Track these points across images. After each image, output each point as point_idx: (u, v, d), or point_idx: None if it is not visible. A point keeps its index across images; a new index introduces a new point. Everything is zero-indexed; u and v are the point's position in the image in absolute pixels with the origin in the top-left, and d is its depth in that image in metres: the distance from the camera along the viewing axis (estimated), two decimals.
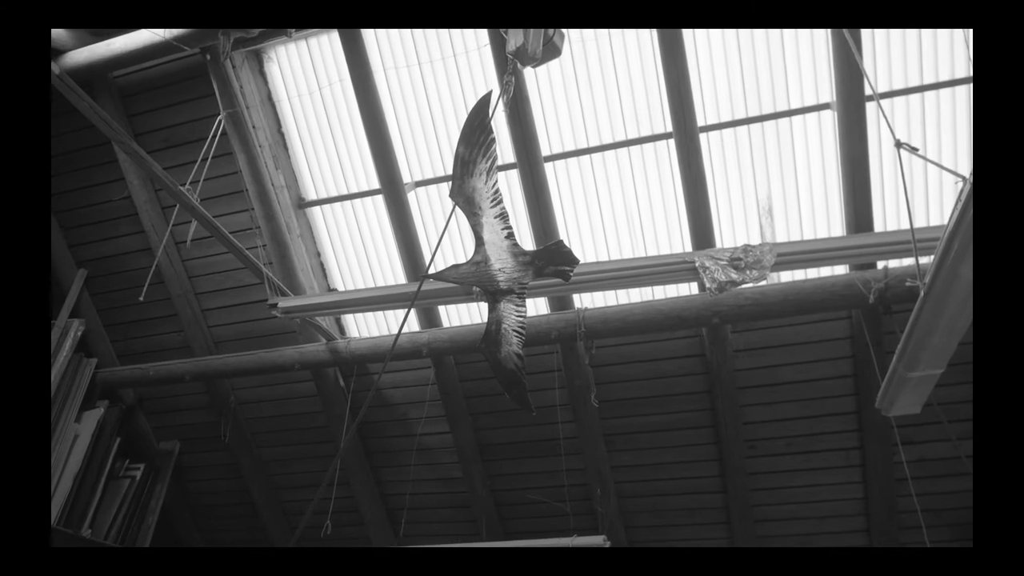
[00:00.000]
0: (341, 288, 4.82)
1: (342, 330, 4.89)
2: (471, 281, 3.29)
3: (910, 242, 3.39)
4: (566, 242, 3.62)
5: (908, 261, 3.74)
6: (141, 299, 3.83)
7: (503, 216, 3.07)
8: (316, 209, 4.66)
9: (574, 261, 3.44)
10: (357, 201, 4.57)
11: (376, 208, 4.56)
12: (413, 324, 4.65)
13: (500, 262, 3.21)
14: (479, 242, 3.12)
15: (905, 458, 4.09)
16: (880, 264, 3.85)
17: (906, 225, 3.87)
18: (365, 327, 4.91)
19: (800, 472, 4.64)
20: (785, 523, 4.78)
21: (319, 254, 4.78)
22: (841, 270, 4.04)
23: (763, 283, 3.76)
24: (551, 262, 3.41)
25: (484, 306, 4.30)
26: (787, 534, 4.81)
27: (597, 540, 3.65)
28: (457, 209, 2.94)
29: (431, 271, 3.40)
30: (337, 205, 4.62)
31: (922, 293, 1.91)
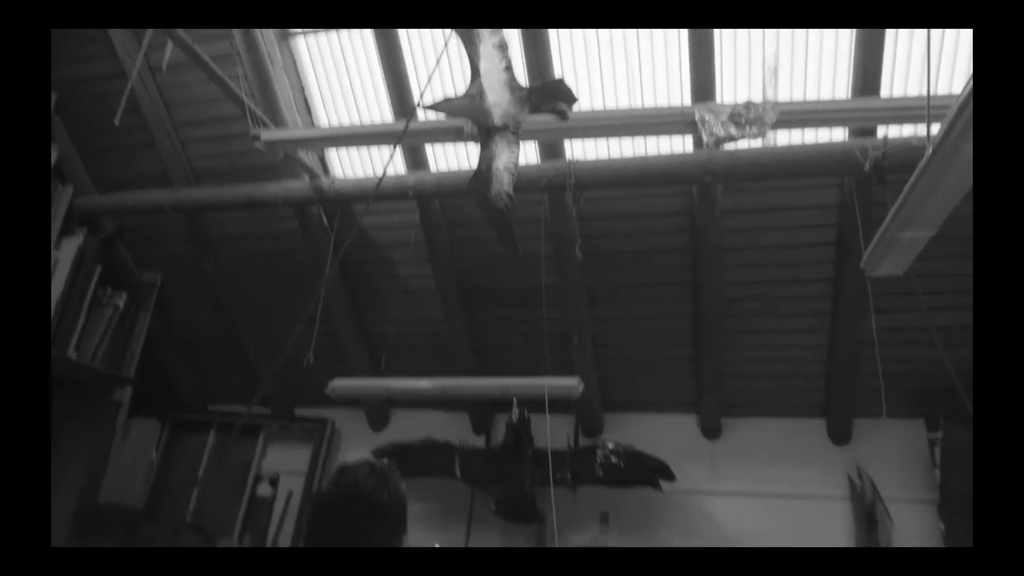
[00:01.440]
0: (326, 125, 4.65)
1: (326, 169, 4.77)
2: (464, 115, 3.15)
3: (915, 108, 3.31)
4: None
5: (908, 131, 3.68)
6: (116, 123, 3.67)
7: (502, 46, 2.90)
8: (300, 40, 4.40)
9: (573, 98, 3.30)
10: (344, 32, 4.31)
11: (364, 40, 4.31)
12: (399, 167, 4.55)
13: (496, 95, 3.07)
14: (475, 73, 2.95)
15: (876, 326, 4.21)
16: (880, 133, 3.77)
17: (912, 94, 3.77)
18: (350, 167, 4.80)
19: (771, 333, 4.80)
20: (750, 380, 5.01)
21: (303, 89, 4.57)
22: (840, 138, 3.96)
23: (760, 142, 3.68)
24: (549, 98, 3.26)
25: (473, 152, 4.20)
26: (751, 390, 5.05)
27: (571, 382, 3.79)
28: (453, 38, 2.76)
29: (422, 104, 3.27)
30: (322, 35, 4.36)
31: (929, 151, 1.89)
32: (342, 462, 1.49)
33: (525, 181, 4.04)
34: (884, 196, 3.91)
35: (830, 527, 4.83)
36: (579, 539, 4.86)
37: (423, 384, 4.26)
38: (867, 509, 4.71)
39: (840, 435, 5.02)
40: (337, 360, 5.31)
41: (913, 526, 4.63)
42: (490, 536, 5.17)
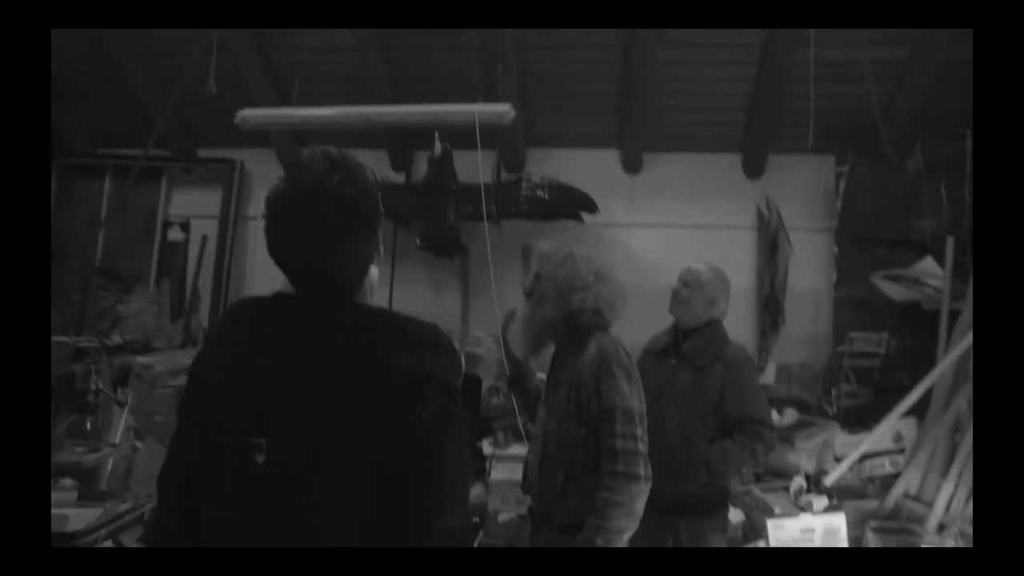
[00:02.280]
0: None
1: None
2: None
3: None
4: None
5: None
6: None
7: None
8: None
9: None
10: None
11: None
12: None
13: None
14: None
15: (813, 58, 4.16)
16: None
17: None
18: None
19: (699, 64, 4.69)
20: (673, 114, 4.98)
21: None
22: None
23: None
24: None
25: None
26: (673, 124, 5.05)
27: (503, 108, 3.64)
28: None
29: None
30: None
31: None
32: (291, 159, 1.28)
33: None
34: None
35: (738, 255, 5.15)
36: (504, 272, 5.00)
37: (343, 112, 4.00)
38: (771, 237, 5.02)
39: (754, 169, 5.19)
40: (240, 95, 4.87)
41: (812, 251, 5.02)
42: (415, 271, 5.26)
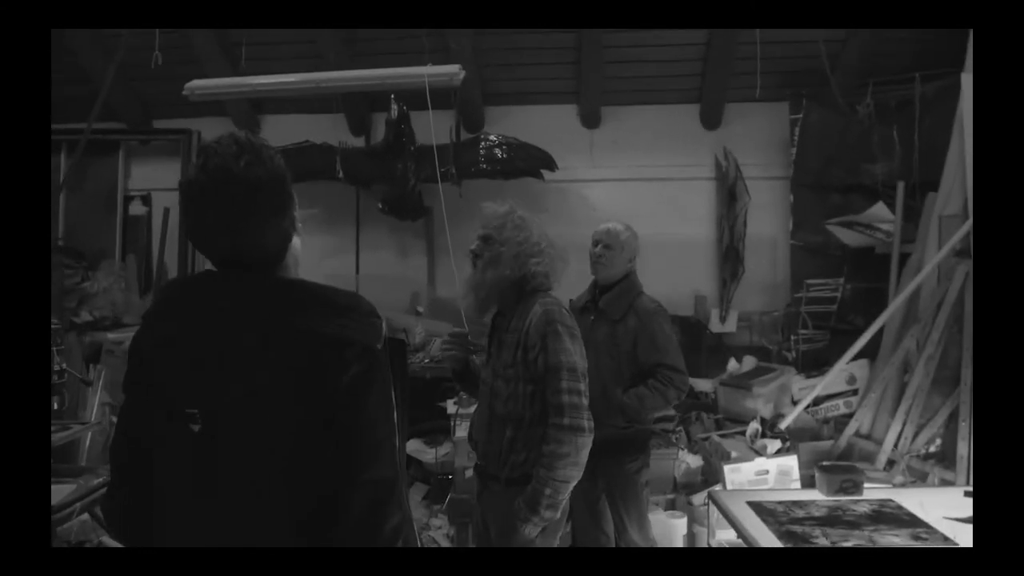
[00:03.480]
0: None
1: None
2: None
3: None
4: None
5: None
6: None
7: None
8: None
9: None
10: None
11: None
12: None
13: None
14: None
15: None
16: None
17: None
18: None
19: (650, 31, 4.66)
20: (630, 66, 4.97)
21: None
22: None
23: None
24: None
25: None
26: (630, 77, 5.04)
27: (452, 69, 3.63)
28: None
29: None
30: None
31: None
32: (202, 144, 1.32)
33: None
34: None
35: (696, 205, 5.23)
36: (466, 233, 5.04)
37: (292, 79, 3.96)
38: (729, 187, 5.08)
39: (711, 120, 5.22)
40: (190, 62, 4.80)
41: (769, 199, 5.09)
42: (380, 235, 5.29)
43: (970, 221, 3.70)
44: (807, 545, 2.12)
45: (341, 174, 4.82)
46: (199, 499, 1.21)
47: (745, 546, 2.25)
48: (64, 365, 3.17)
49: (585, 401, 2.14)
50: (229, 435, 1.19)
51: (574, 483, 2.14)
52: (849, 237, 4.78)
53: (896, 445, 3.82)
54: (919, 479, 3.65)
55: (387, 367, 1.29)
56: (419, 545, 1.46)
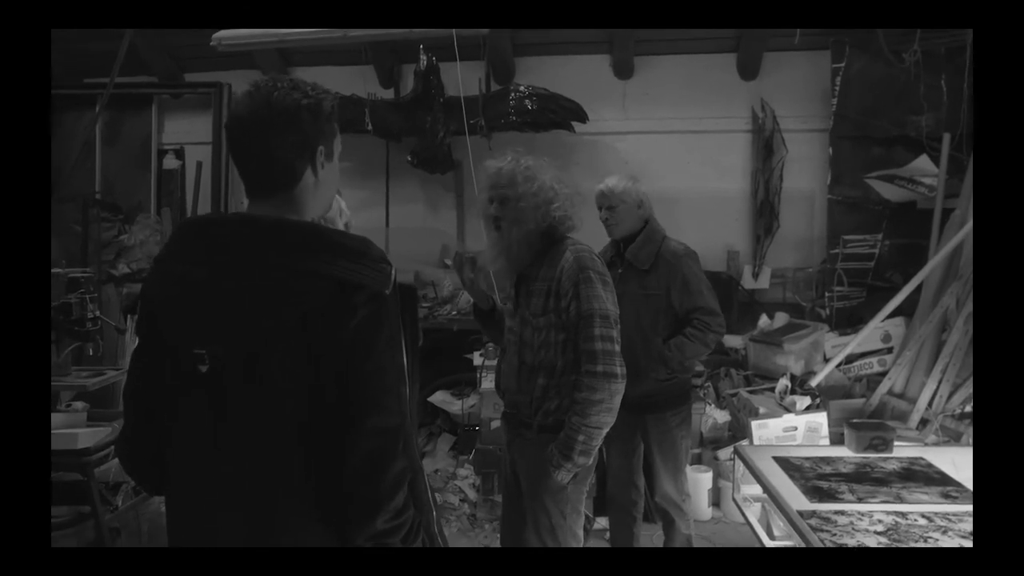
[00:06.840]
0: None
1: None
2: None
3: None
4: None
5: None
6: None
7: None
8: None
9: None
10: None
11: None
12: None
13: None
14: None
15: None
16: None
17: None
18: None
19: None
20: None
21: None
22: None
23: None
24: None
25: None
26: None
27: None
28: None
29: None
30: None
31: None
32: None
33: None
34: None
35: (732, 159, 5.10)
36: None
37: (319, 31, 3.92)
38: (766, 140, 4.94)
39: (749, 70, 5.05)
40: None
41: (807, 152, 4.95)
42: (411, 188, 5.27)
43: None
44: (830, 504, 2.11)
45: (370, 126, 4.80)
46: (205, 438, 1.23)
47: (766, 500, 2.23)
48: (98, 312, 3.24)
49: (617, 347, 2.15)
50: (236, 376, 1.20)
51: (607, 429, 2.15)
52: (890, 191, 4.62)
53: (930, 404, 3.75)
54: (953, 439, 3.58)
55: (396, 314, 1.28)
56: (428, 492, 1.46)
